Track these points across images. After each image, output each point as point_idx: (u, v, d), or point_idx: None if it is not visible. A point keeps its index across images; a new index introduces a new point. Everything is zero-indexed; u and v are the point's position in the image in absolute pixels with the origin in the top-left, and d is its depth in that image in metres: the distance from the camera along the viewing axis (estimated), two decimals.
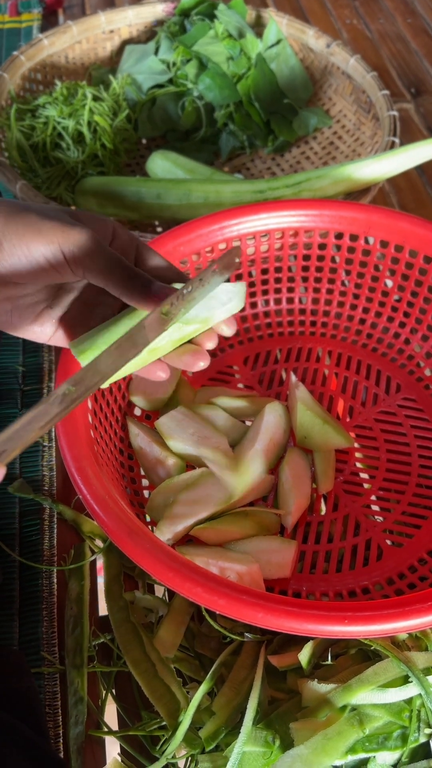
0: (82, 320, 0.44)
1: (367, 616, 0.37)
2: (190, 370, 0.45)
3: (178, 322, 0.42)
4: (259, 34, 0.92)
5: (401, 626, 0.37)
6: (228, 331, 0.46)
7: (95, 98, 0.82)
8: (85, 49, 0.94)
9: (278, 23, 0.91)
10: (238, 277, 0.67)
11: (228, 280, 0.45)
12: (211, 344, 0.46)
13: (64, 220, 0.38)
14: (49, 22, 1.12)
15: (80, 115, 0.79)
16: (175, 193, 0.72)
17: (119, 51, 0.96)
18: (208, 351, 0.46)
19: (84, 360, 0.41)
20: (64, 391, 0.33)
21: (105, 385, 0.39)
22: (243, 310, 0.69)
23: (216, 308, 0.44)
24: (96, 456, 0.47)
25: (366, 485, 0.59)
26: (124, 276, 0.39)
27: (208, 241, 0.60)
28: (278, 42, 0.91)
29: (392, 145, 0.75)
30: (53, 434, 0.63)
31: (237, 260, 0.45)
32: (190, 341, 0.46)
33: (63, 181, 0.79)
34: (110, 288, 0.39)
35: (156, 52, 0.90)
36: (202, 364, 0.45)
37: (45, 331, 0.44)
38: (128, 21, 0.95)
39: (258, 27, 0.94)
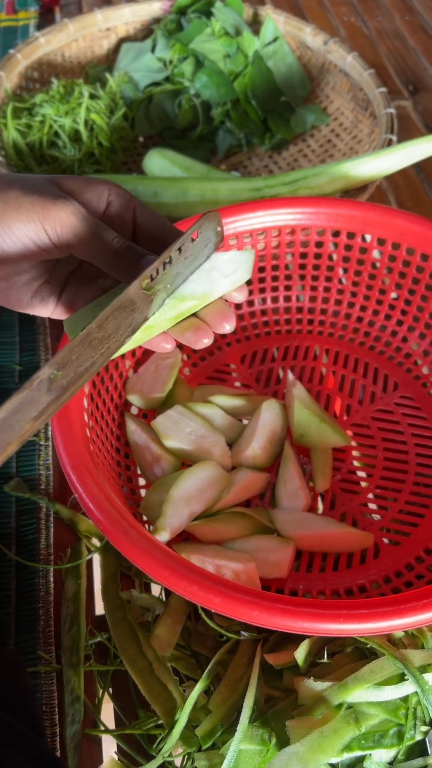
0: (83, 293, 0.43)
1: (363, 614, 0.37)
2: (194, 347, 0.42)
3: (173, 299, 0.39)
4: (256, 32, 0.92)
5: (396, 624, 0.37)
6: (239, 297, 0.43)
7: (92, 96, 0.82)
8: (82, 47, 0.94)
9: (275, 21, 0.91)
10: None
11: (215, 250, 0.42)
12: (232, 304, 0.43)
13: (48, 194, 0.37)
14: (46, 20, 1.12)
15: (77, 114, 0.79)
16: (171, 191, 0.72)
17: (116, 49, 0.96)
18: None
19: None
20: (49, 376, 0.31)
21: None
22: (240, 307, 0.69)
23: (217, 281, 0.41)
24: (92, 455, 0.47)
25: (363, 483, 0.59)
26: (111, 252, 0.37)
27: None
28: (275, 39, 0.91)
29: (389, 143, 0.74)
30: (49, 433, 0.63)
31: (218, 228, 0.41)
32: (195, 315, 0.43)
33: None
34: (99, 265, 0.38)
35: (153, 50, 0.90)
36: (206, 341, 0.42)
37: (46, 306, 0.43)
38: (125, 19, 0.95)
39: (255, 24, 0.94)
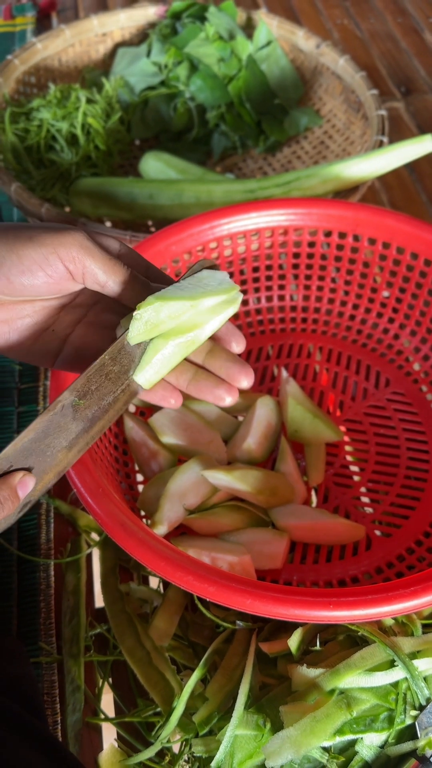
0: (90, 341, 0.41)
1: (351, 601, 0.38)
2: (219, 404, 0.40)
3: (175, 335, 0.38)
4: (250, 36, 0.94)
5: (385, 611, 0.38)
6: (237, 348, 0.41)
7: (88, 101, 0.84)
8: (78, 52, 0.95)
9: (268, 25, 0.93)
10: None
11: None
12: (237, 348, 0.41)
13: (59, 227, 0.36)
14: (43, 25, 1.13)
15: (74, 118, 0.80)
16: (167, 193, 0.74)
17: (112, 54, 0.97)
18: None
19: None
20: (72, 403, 0.31)
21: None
22: None
23: (207, 302, 0.39)
24: (90, 452, 0.48)
25: (356, 477, 0.60)
26: (125, 275, 0.37)
27: (199, 240, 0.61)
28: (269, 43, 0.92)
29: (380, 144, 0.76)
30: None
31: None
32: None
33: (57, 182, 0.81)
34: (111, 285, 0.37)
35: (148, 55, 0.91)
36: (229, 399, 0.40)
37: (46, 357, 0.41)
38: (120, 24, 0.96)
39: (249, 29, 0.96)
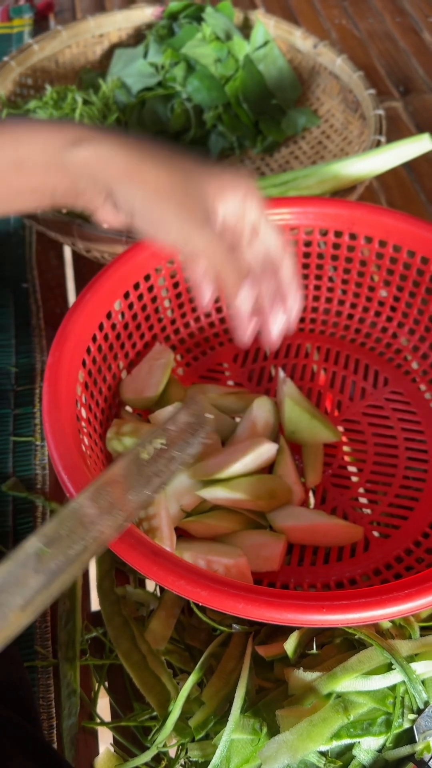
0: None
1: (345, 604, 0.38)
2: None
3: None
4: (247, 36, 0.93)
5: (378, 614, 0.38)
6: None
7: (85, 102, 0.83)
8: (75, 53, 0.95)
9: (265, 25, 0.92)
10: None
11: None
12: None
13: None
14: (40, 27, 1.13)
15: (70, 119, 0.80)
16: None
17: (109, 55, 0.97)
18: None
19: None
20: (36, 551, 0.29)
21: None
22: None
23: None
24: (83, 456, 0.48)
25: (354, 478, 0.60)
26: None
27: None
28: (266, 43, 0.92)
29: (378, 144, 0.75)
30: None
31: (207, 415, 0.41)
32: None
33: None
34: None
35: (145, 56, 0.91)
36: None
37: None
38: (117, 25, 0.96)
39: (246, 29, 0.95)
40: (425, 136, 0.70)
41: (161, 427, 0.38)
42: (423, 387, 0.65)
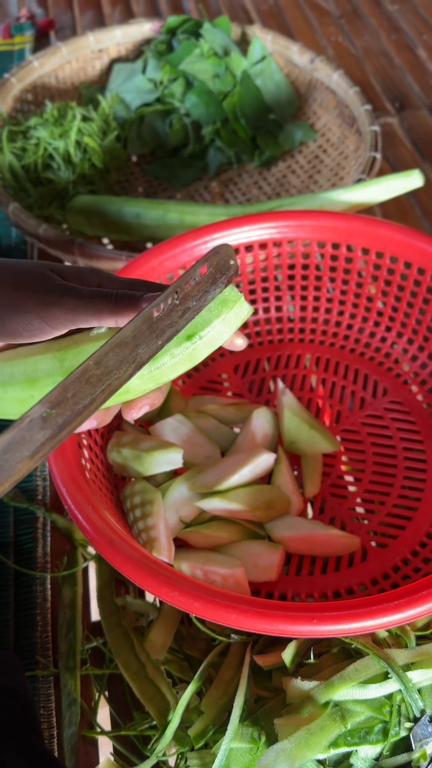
0: None
1: (335, 615, 0.38)
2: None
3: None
4: (245, 51, 0.95)
5: (369, 625, 0.39)
6: (239, 343, 0.42)
7: (85, 118, 0.85)
8: (75, 68, 0.97)
9: (263, 40, 0.94)
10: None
11: (227, 284, 0.38)
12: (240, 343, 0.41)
13: (44, 289, 0.38)
14: (41, 43, 1.14)
15: (70, 136, 0.81)
16: (153, 213, 0.75)
17: (108, 69, 0.99)
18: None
19: None
20: (42, 415, 0.29)
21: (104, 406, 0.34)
22: None
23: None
24: (83, 468, 0.49)
25: (352, 488, 0.60)
26: (111, 302, 0.36)
27: (192, 255, 0.62)
28: (263, 58, 0.93)
29: (373, 161, 0.77)
30: None
31: (231, 261, 0.37)
32: None
33: (54, 200, 0.82)
34: (101, 320, 0.37)
35: (144, 71, 0.93)
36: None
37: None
38: (116, 40, 0.97)
39: (244, 44, 0.97)
40: (415, 173, 0.70)
41: (177, 286, 0.35)
42: (421, 397, 0.65)
